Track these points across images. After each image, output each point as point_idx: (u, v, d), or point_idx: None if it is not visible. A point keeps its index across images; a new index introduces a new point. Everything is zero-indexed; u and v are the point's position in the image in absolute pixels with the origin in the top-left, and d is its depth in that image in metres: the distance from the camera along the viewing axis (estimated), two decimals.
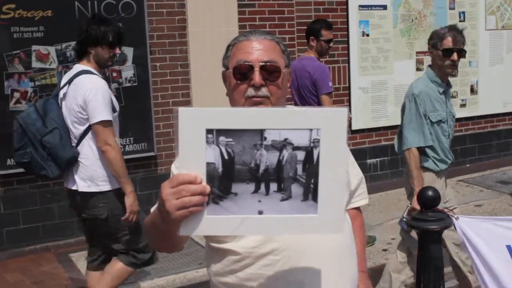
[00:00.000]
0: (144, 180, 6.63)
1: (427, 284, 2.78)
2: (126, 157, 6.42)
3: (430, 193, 2.76)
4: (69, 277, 5.34)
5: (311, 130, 1.46)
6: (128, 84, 6.43)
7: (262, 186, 1.48)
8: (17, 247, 6.10)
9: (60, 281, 5.28)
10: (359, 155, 7.74)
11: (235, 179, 1.47)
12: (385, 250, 5.62)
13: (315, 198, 1.49)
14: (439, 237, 2.78)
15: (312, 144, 1.46)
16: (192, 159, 1.45)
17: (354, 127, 7.92)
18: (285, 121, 1.45)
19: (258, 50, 1.92)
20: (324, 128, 1.45)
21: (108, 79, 6.30)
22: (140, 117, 6.52)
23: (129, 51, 6.41)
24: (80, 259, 5.72)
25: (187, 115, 1.44)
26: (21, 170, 5.92)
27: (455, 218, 2.76)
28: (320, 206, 1.49)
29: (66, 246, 6.15)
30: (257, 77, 1.89)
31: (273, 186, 1.48)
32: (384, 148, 8.16)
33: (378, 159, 8.12)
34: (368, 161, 8.04)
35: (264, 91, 1.90)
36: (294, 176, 1.48)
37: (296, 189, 1.49)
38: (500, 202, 6.97)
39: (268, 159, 1.47)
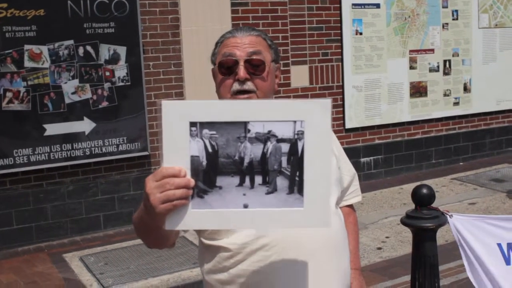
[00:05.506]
0: (138, 180, 6.62)
1: (422, 282, 2.78)
2: (119, 156, 6.47)
3: (424, 190, 2.76)
4: (63, 277, 5.32)
5: (295, 122, 1.45)
6: (121, 84, 6.42)
7: (247, 179, 1.47)
8: (10, 247, 6.08)
9: (54, 281, 5.26)
10: (353, 153, 7.74)
11: (219, 172, 1.46)
12: (379, 248, 5.63)
13: (300, 191, 1.47)
14: (434, 235, 2.78)
15: (296, 136, 1.46)
16: (176, 152, 1.44)
17: (347, 126, 7.92)
18: (269, 113, 1.45)
19: (243, 44, 1.94)
20: (308, 120, 1.45)
21: (101, 78, 6.29)
22: (133, 117, 6.50)
23: (122, 50, 6.39)
24: (73, 259, 5.70)
25: (170, 108, 1.43)
26: (14, 170, 5.95)
27: (449, 216, 2.76)
28: (306, 199, 1.48)
29: (60, 247, 6.13)
30: (241, 71, 1.90)
31: (258, 179, 1.47)
32: (378, 146, 8.17)
33: (371, 158, 8.12)
34: (362, 159, 8.05)
35: (249, 85, 1.91)
36: (279, 168, 1.47)
37: (282, 182, 1.47)
38: (494, 200, 6.98)
39: (252, 151, 1.46)
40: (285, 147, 1.46)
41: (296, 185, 1.48)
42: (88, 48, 6.24)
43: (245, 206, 1.47)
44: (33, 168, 6.08)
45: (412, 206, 2.83)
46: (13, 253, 6.01)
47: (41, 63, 6.06)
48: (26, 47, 5.98)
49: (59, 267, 5.58)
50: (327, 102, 1.46)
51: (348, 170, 2.22)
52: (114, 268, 5.43)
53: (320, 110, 1.45)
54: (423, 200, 2.76)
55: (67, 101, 6.18)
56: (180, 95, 6.85)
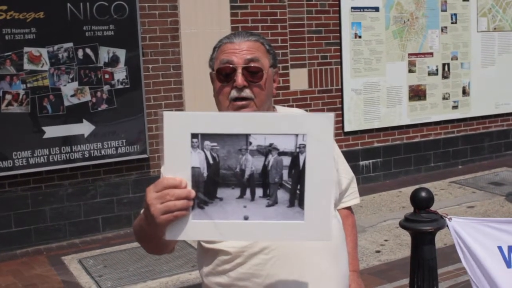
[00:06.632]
0: (137, 182, 6.62)
1: (421, 285, 2.77)
2: (118, 159, 6.47)
3: (423, 194, 2.76)
4: (62, 280, 5.32)
5: (297, 135, 1.45)
6: (120, 86, 6.42)
7: (248, 191, 1.47)
8: (9, 250, 6.07)
9: (52, 284, 5.26)
10: (352, 157, 7.75)
11: (220, 184, 1.46)
12: (378, 251, 5.63)
13: (301, 205, 1.47)
14: (432, 238, 2.78)
15: (298, 150, 1.45)
16: (177, 163, 1.45)
17: (346, 129, 7.93)
18: (271, 126, 1.44)
19: (240, 51, 1.92)
20: (311, 133, 1.44)
21: (100, 81, 6.29)
22: (133, 119, 6.51)
23: (121, 53, 6.39)
24: (72, 262, 5.70)
25: (172, 119, 1.43)
26: (13, 172, 5.95)
27: (448, 219, 2.76)
28: (306, 212, 1.47)
29: (58, 249, 6.13)
30: (239, 78, 1.89)
31: (259, 192, 1.47)
32: (377, 149, 8.17)
33: (370, 161, 8.12)
34: (361, 162, 8.05)
35: (247, 92, 1.90)
36: (280, 181, 1.47)
37: (282, 195, 1.47)
38: (493, 203, 6.99)
39: (254, 164, 1.46)
40: (286, 160, 1.46)
41: (297, 198, 1.47)
42: (88, 50, 6.24)
43: (246, 218, 1.47)
44: (32, 170, 6.08)
45: (411, 209, 2.82)
46: (12, 255, 6.01)
47: (40, 66, 6.06)
48: (26, 49, 5.99)
49: (58, 269, 5.57)
50: (330, 116, 1.45)
51: (347, 173, 2.23)
52: (113, 271, 5.43)
53: (322, 124, 1.45)
54: (421, 203, 2.76)
55: (66, 103, 6.18)
56: (179, 98, 6.86)
